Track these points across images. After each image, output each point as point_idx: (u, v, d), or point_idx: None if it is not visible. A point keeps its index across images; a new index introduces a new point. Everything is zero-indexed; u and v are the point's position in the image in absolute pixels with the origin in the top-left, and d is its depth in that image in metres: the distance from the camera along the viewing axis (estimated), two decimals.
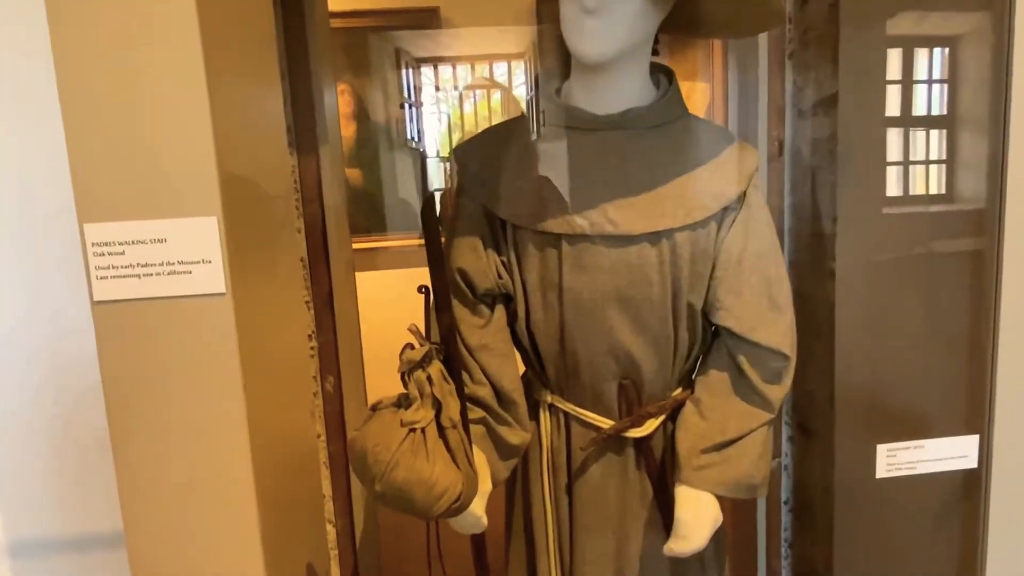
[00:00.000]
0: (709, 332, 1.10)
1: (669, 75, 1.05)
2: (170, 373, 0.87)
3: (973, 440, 0.99)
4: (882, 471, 1.04)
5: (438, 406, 0.87)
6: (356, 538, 1.38)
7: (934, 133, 1.13)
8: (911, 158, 1.12)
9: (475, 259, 1.05)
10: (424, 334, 0.91)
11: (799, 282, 1.26)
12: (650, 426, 1.09)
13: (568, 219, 1.00)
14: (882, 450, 1.02)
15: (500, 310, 1.09)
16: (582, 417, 1.10)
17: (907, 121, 1.13)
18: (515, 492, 1.19)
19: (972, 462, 1.04)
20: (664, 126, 1.02)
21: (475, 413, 1.04)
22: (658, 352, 1.06)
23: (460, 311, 1.06)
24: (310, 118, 1.24)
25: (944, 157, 1.13)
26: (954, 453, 1.01)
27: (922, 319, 1.11)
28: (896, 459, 1.03)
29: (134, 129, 0.82)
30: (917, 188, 1.13)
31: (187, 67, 0.82)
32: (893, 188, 1.11)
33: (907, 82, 1.09)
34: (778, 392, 1.05)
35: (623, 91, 1.00)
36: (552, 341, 1.07)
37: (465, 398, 0.95)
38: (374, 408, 0.91)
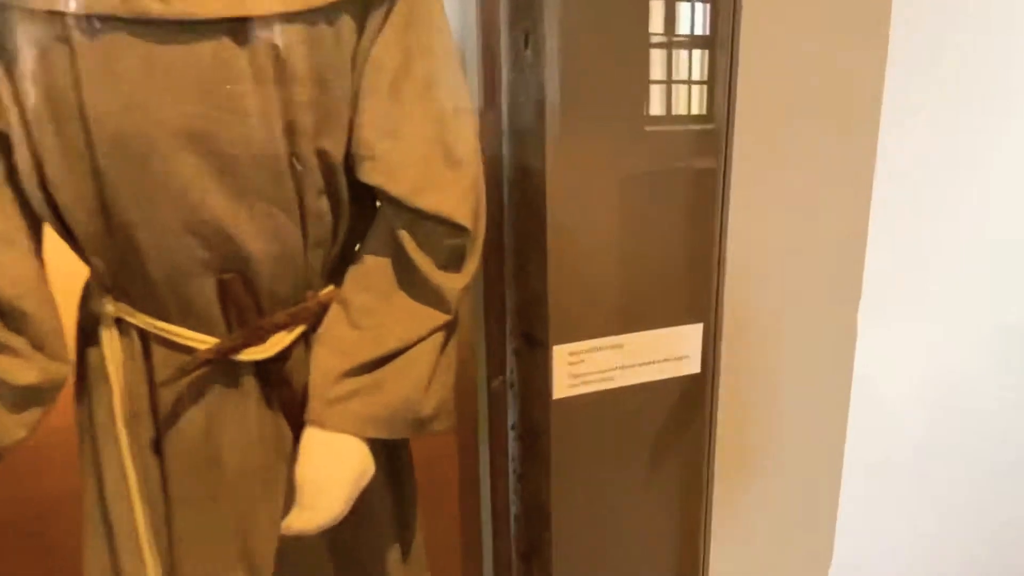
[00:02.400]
0: (369, 198, 0.74)
1: None
2: None
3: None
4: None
5: None
6: None
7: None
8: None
9: None
10: None
11: (519, 150, 0.94)
12: (278, 343, 0.72)
13: None
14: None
15: None
16: (166, 335, 0.70)
17: None
18: (83, 458, 0.78)
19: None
20: None
21: None
22: (277, 230, 0.68)
23: None
24: None
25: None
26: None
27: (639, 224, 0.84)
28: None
29: None
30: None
31: None
32: None
33: None
34: (457, 282, 0.73)
35: None
36: (87, 209, 0.64)
37: None
38: None
